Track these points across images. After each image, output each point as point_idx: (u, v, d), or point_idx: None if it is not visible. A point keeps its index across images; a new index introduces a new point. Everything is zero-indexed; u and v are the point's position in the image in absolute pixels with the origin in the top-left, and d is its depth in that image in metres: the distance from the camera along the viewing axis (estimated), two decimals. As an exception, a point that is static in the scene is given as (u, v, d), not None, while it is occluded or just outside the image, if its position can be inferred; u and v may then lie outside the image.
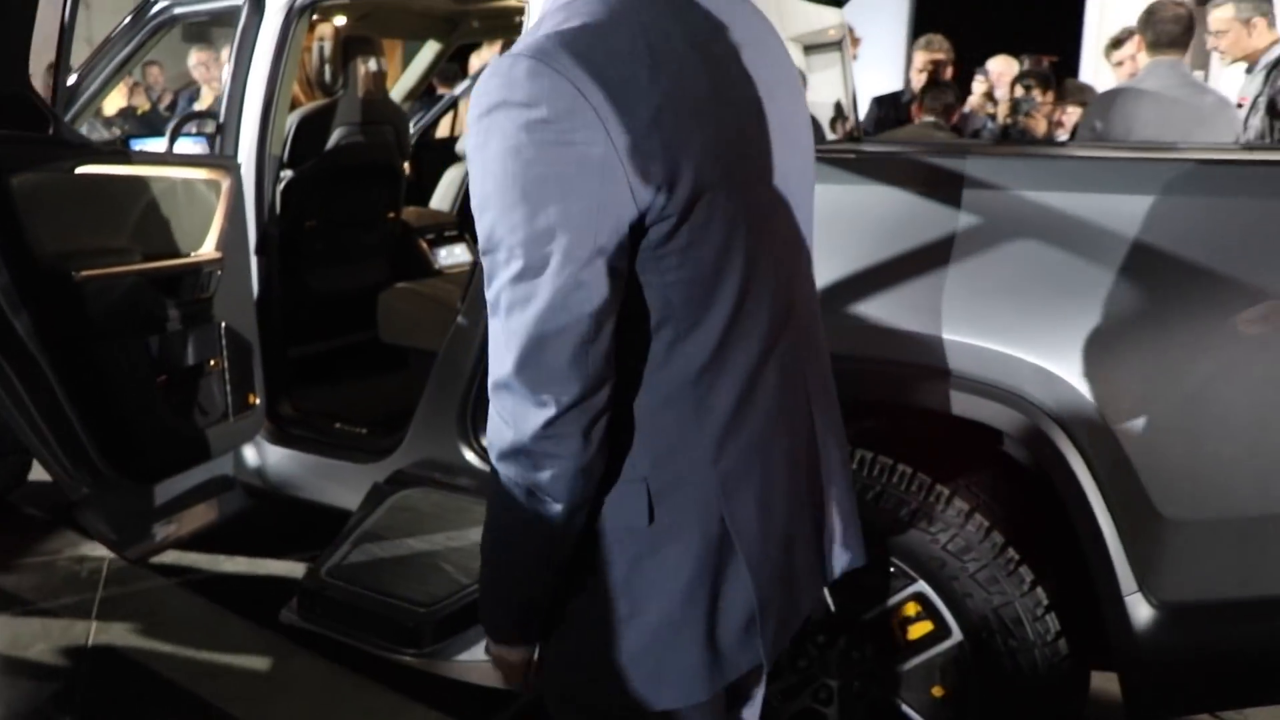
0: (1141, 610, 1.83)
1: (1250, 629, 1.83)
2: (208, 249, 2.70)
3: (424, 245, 3.87)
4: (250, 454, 3.11)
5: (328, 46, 3.37)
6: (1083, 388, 1.79)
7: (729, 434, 1.11)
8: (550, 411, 1.01)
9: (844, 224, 1.96)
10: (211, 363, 2.74)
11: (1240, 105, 4.15)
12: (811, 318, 1.26)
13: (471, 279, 2.58)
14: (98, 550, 3.55)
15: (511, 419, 1.04)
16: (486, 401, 1.05)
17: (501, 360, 1.03)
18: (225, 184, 2.74)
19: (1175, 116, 3.64)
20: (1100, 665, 2.01)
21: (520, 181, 0.96)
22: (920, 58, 5.56)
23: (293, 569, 3.42)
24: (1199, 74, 4.20)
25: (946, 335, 1.89)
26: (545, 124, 0.95)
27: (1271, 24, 4.06)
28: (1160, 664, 1.86)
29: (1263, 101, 3.97)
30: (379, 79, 3.52)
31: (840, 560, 1.32)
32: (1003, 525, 1.93)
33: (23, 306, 2.18)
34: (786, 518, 1.20)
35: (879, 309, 1.95)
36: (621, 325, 1.03)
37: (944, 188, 1.91)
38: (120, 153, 2.54)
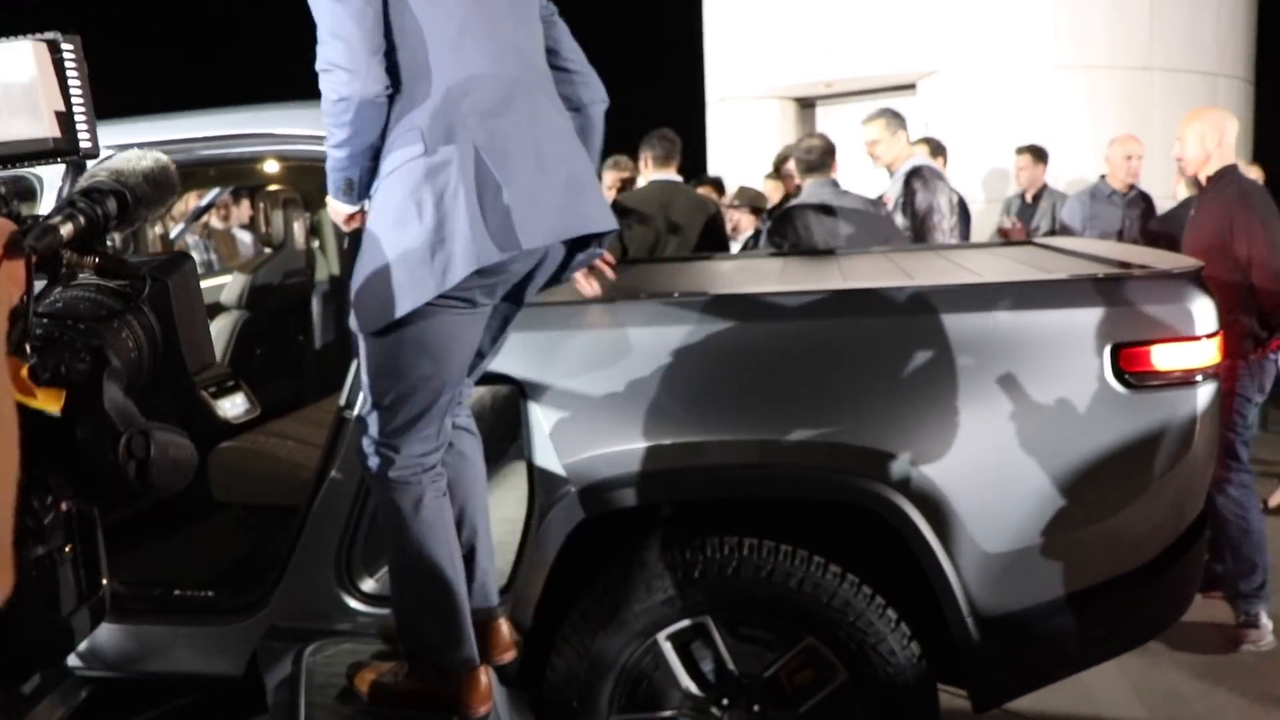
0: (975, 624, 2.41)
1: (1049, 623, 2.46)
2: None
3: (206, 398, 3.83)
4: (77, 638, 2.98)
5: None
6: (919, 465, 2.37)
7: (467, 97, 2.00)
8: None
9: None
10: (67, 549, 2.66)
11: (885, 205, 5.14)
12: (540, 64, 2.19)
13: (337, 438, 2.71)
14: None
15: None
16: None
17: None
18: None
19: (843, 224, 4.51)
20: (943, 679, 2.57)
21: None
22: (610, 176, 6.18)
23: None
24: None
25: (811, 438, 2.41)
26: None
27: (909, 140, 5.10)
28: (992, 662, 2.44)
29: (901, 203, 4.97)
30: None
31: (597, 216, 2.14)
32: (870, 580, 2.43)
33: None
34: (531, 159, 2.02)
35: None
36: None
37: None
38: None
